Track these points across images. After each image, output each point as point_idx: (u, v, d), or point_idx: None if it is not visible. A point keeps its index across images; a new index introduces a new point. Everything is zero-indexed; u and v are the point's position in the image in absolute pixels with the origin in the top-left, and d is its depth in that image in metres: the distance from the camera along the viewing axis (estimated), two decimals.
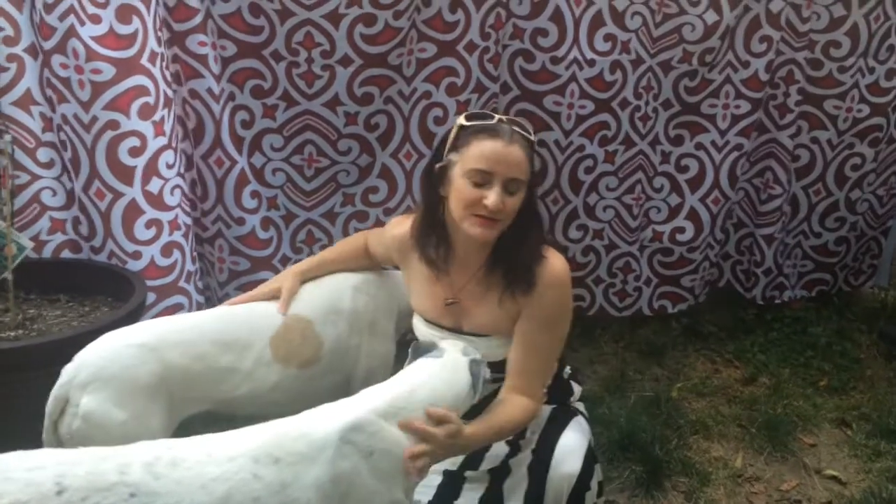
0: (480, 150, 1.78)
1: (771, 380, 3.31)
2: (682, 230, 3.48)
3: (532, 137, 1.86)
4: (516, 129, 1.82)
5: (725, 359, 3.51)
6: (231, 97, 2.75)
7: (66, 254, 2.67)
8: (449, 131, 1.88)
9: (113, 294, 2.53)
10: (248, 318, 2.09)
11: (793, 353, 3.50)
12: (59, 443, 1.80)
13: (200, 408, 1.99)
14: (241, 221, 2.86)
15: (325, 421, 1.53)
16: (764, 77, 3.30)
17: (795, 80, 3.39)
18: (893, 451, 2.83)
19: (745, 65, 3.27)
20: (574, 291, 3.38)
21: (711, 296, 3.78)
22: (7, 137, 2.41)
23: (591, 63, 3.06)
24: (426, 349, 1.82)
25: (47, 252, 2.64)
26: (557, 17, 2.98)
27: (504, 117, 1.84)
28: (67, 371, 1.82)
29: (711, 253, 3.58)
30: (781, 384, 3.26)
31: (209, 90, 2.70)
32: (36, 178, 2.58)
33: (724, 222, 3.55)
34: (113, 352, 1.85)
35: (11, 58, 2.47)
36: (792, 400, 3.15)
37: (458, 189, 1.82)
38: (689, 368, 3.41)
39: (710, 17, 3.10)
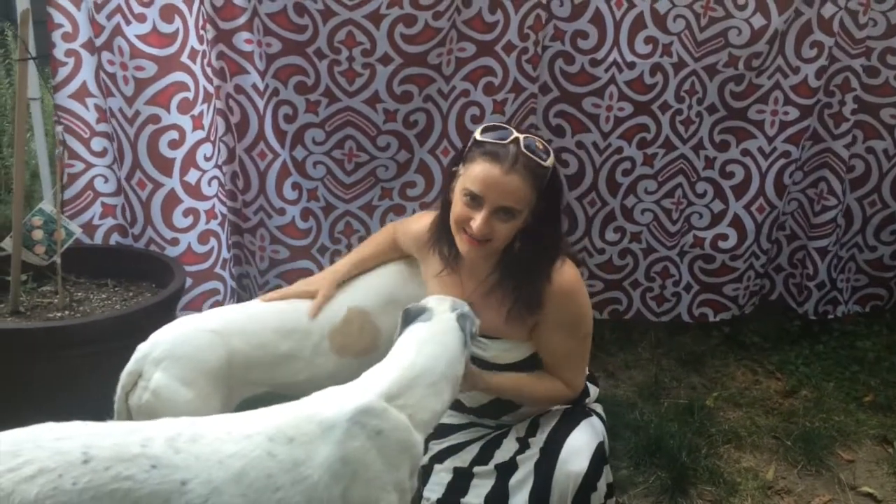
0: (477, 172, 1.80)
1: (813, 393, 3.22)
2: (724, 237, 3.41)
3: (545, 163, 1.83)
4: (527, 153, 1.80)
5: (767, 370, 3.43)
6: (275, 93, 2.84)
7: (115, 237, 2.84)
8: (470, 138, 1.90)
9: (157, 281, 2.67)
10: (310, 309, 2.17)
11: (838, 366, 3.40)
12: (129, 413, 1.93)
13: (259, 390, 2.09)
14: (281, 212, 2.96)
15: (336, 403, 1.59)
16: (814, 84, 3.21)
17: (851, 88, 3.29)
18: None
19: (796, 70, 3.20)
20: (610, 294, 3.43)
21: (758, 306, 3.69)
22: (59, 128, 2.56)
23: (631, 66, 3.04)
24: (416, 313, 1.82)
25: (99, 236, 2.81)
26: (598, 19, 2.98)
27: (522, 137, 1.82)
28: (143, 348, 1.95)
29: (757, 262, 3.49)
30: (823, 398, 3.17)
31: (254, 86, 2.80)
32: (90, 166, 2.75)
33: (770, 232, 3.45)
34: (186, 334, 1.99)
35: (69, 53, 2.64)
36: (833, 414, 3.06)
37: (455, 203, 1.87)
38: (727, 378, 3.34)
39: (758, 21, 3.05)
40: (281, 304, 2.21)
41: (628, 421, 2.91)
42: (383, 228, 2.39)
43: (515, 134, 1.83)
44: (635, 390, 3.20)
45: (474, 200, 1.81)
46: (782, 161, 3.31)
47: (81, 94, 2.67)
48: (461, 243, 1.88)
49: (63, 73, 2.64)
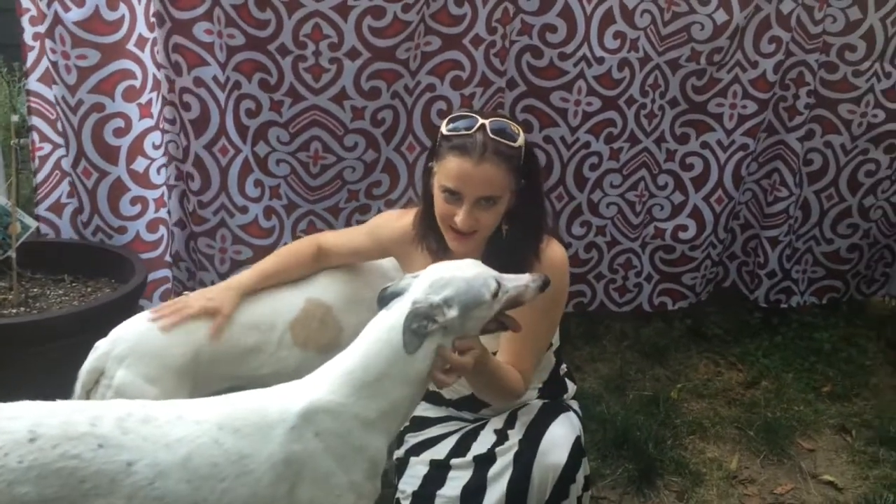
0: (450, 168, 1.79)
1: (773, 384, 3.28)
2: (684, 228, 3.47)
3: (516, 143, 1.81)
4: (495, 138, 1.77)
5: (729, 361, 3.48)
6: (237, 86, 2.76)
7: (81, 217, 2.79)
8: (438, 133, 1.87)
9: (116, 275, 2.62)
10: (272, 300, 2.14)
11: (797, 357, 3.47)
12: None
13: (224, 385, 2.02)
14: (244, 210, 2.88)
15: (284, 400, 1.54)
16: (772, 78, 3.26)
17: (806, 83, 3.34)
18: (892, 458, 2.81)
19: (754, 65, 3.24)
20: (575, 287, 3.42)
21: (717, 298, 3.75)
22: (15, 118, 2.48)
23: (600, 61, 3.04)
24: (391, 296, 1.66)
25: (66, 214, 2.79)
26: (567, 13, 2.96)
27: (488, 122, 1.79)
28: (103, 345, 1.89)
29: (714, 252, 3.56)
30: (783, 388, 3.24)
31: (214, 78, 2.72)
32: (57, 146, 2.74)
33: (727, 222, 3.51)
34: (149, 329, 1.93)
35: (36, 36, 2.62)
36: (793, 404, 3.13)
37: (436, 201, 1.86)
38: (690, 370, 3.39)
39: (720, 16, 3.08)
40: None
41: (595, 413, 2.92)
42: (304, 239, 2.24)
43: (481, 120, 1.80)
44: (601, 383, 3.22)
45: (453, 196, 1.80)
46: (740, 154, 3.37)
47: (48, 78, 2.64)
48: (450, 241, 1.87)
49: (31, 56, 2.63)
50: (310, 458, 1.50)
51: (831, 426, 3.03)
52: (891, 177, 3.62)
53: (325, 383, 1.56)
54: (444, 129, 1.83)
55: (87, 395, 1.87)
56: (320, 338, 2.13)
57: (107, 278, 2.63)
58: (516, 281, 1.68)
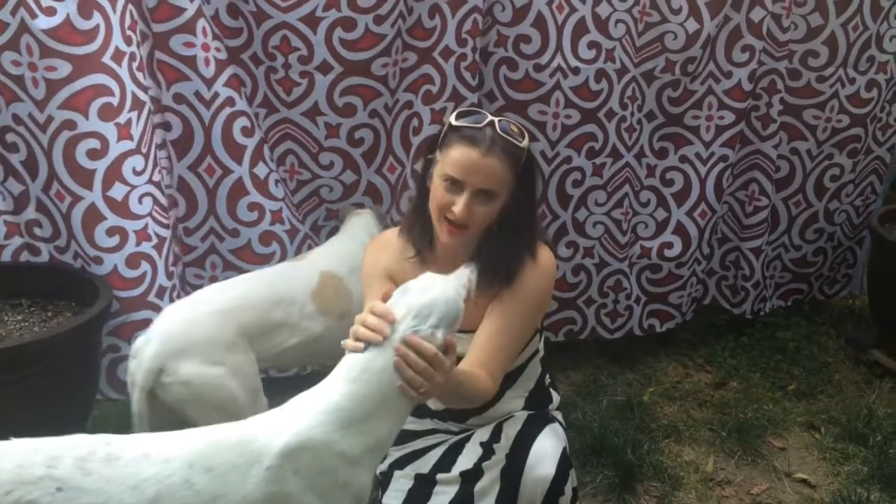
0: (456, 157, 1.80)
1: (741, 384, 3.34)
2: (669, 245, 3.40)
3: (522, 144, 1.84)
4: (503, 135, 1.81)
5: (697, 363, 3.54)
6: (229, 102, 2.64)
7: (25, 256, 2.59)
8: (443, 126, 1.89)
9: (77, 299, 2.50)
10: (289, 275, 2.39)
11: (763, 357, 3.53)
12: (153, 413, 2.00)
13: (262, 364, 2.22)
14: (234, 233, 2.78)
15: (261, 435, 1.49)
16: (747, 87, 3.23)
17: (777, 90, 3.35)
18: (861, 454, 2.88)
19: (728, 75, 3.22)
20: (564, 314, 3.36)
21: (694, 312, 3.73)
22: None
23: (576, 71, 2.97)
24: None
25: (6, 256, 2.57)
26: (540, 22, 2.89)
27: (497, 119, 1.83)
28: (153, 345, 1.99)
29: (699, 268, 3.51)
30: (751, 388, 3.30)
31: (197, 93, 2.61)
32: None
33: (710, 236, 3.47)
34: (193, 319, 2.09)
35: None
36: (762, 404, 3.19)
37: (434, 190, 1.86)
38: (660, 373, 3.43)
39: (691, 25, 3.05)
40: (260, 273, 2.41)
41: (571, 421, 2.92)
42: None
43: (490, 117, 1.83)
44: (574, 390, 3.25)
45: (454, 185, 1.81)
46: (721, 165, 3.32)
47: None
48: (442, 232, 1.86)
49: None
50: (290, 498, 1.46)
51: (800, 424, 3.09)
52: (854, 180, 3.69)
53: (306, 418, 1.51)
54: (452, 121, 1.85)
55: (147, 396, 1.98)
56: (338, 305, 2.36)
57: (66, 301, 2.51)
58: (461, 279, 1.72)
